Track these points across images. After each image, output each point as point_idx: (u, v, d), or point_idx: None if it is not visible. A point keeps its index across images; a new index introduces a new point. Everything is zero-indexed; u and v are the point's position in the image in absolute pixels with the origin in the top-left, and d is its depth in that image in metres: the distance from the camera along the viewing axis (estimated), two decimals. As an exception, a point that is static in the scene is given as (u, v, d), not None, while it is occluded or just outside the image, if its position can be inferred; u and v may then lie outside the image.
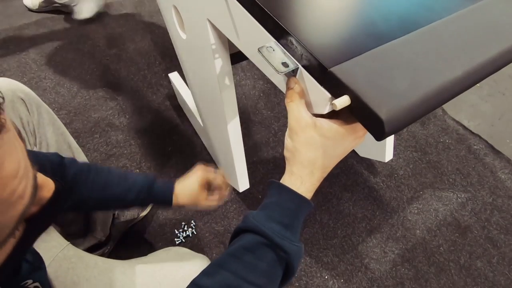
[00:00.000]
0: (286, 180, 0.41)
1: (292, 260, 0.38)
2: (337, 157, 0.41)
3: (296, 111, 0.40)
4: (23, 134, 0.65)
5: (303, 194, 0.40)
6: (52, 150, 0.71)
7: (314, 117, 0.40)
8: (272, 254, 0.38)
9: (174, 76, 1.29)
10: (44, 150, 0.70)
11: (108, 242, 0.92)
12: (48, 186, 0.42)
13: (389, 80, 0.35)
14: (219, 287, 0.37)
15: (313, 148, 0.39)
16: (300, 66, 0.40)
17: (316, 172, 0.40)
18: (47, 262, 0.56)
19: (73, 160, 0.58)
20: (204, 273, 0.39)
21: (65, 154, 0.72)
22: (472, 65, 0.39)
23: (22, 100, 0.65)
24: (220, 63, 0.71)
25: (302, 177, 0.40)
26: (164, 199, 0.64)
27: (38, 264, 0.49)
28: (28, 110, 0.66)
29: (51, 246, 0.60)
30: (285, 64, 0.40)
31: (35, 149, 0.67)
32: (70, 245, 0.62)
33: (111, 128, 1.25)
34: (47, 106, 0.72)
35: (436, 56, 0.39)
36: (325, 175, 0.42)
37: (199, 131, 1.23)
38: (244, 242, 0.39)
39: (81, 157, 0.82)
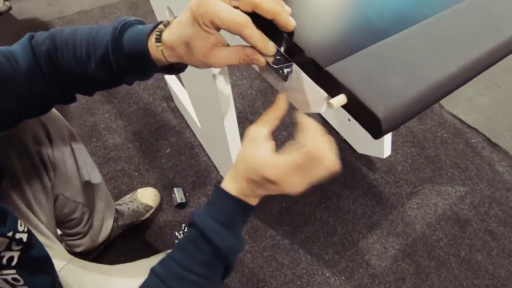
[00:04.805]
0: (225, 180, 0.44)
1: (225, 254, 0.41)
2: (279, 183, 0.40)
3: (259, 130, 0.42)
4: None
5: (237, 196, 0.42)
6: (69, 172, 0.72)
7: (270, 154, 0.40)
8: (207, 246, 0.41)
9: (170, 78, 1.29)
10: (61, 168, 0.70)
11: (103, 244, 0.93)
12: None
13: (385, 78, 0.35)
14: (170, 275, 0.41)
15: (240, 156, 0.42)
16: (293, 63, 0.40)
17: (239, 176, 0.42)
18: None
19: (40, 36, 0.46)
20: (160, 262, 0.43)
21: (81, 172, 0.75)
22: (468, 60, 0.39)
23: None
24: (216, 63, 0.70)
25: (232, 178, 0.43)
26: (135, 47, 0.41)
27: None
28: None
29: (56, 260, 0.59)
30: (280, 60, 0.40)
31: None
32: (74, 258, 0.62)
33: (108, 132, 1.24)
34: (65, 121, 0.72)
35: (432, 52, 0.39)
36: (255, 187, 0.41)
37: (197, 132, 1.22)
38: (187, 235, 0.43)
39: (95, 173, 0.82)
